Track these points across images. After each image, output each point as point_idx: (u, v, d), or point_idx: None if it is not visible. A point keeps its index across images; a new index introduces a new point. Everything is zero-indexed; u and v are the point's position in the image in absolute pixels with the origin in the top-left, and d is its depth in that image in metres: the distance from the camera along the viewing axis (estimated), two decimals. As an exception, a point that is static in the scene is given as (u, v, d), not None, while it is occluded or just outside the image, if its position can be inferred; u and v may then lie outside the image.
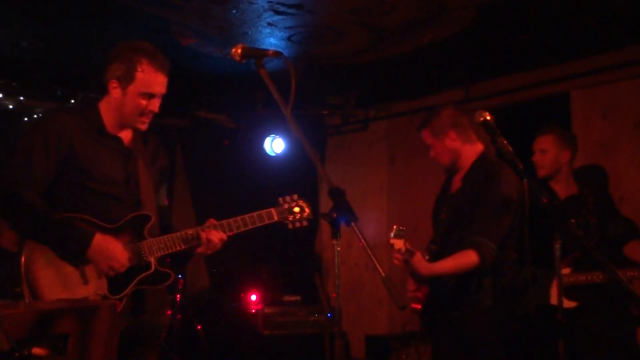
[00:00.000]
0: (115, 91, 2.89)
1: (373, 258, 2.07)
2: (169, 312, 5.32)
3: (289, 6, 4.03)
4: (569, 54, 5.05)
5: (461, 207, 3.33)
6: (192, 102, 6.43)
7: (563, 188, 4.10)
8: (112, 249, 2.78)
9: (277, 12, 4.13)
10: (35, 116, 5.45)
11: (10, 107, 5.38)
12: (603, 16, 4.25)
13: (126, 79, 2.86)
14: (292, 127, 2.29)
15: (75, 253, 2.75)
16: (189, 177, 6.83)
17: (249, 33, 4.49)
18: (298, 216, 3.12)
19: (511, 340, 3.30)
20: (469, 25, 4.37)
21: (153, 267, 2.89)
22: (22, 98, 5.40)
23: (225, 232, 3.00)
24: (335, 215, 2.12)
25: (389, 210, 6.67)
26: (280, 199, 3.13)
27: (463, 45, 4.80)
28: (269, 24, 4.34)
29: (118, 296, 2.78)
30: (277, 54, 2.43)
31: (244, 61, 2.44)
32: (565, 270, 3.82)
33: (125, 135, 3.01)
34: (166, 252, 2.93)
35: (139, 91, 2.87)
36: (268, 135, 6.68)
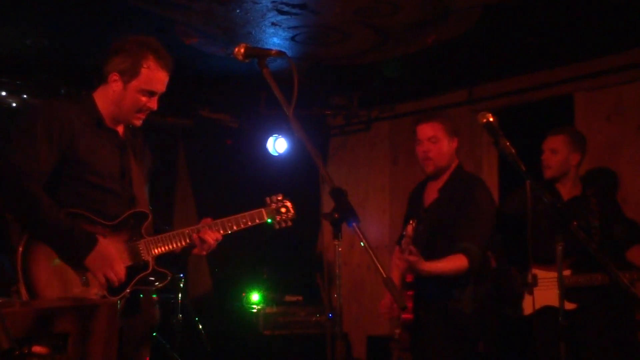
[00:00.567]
0: (115, 84, 2.81)
1: (374, 259, 2.06)
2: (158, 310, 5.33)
3: (293, 6, 4.03)
4: (573, 56, 5.04)
5: (441, 220, 3.43)
6: (195, 102, 6.43)
7: (568, 190, 4.07)
8: (112, 259, 2.71)
9: (281, 12, 4.13)
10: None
11: (14, 105, 5.37)
12: (608, 19, 4.25)
13: (130, 74, 2.79)
14: (295, 127, 2.28)
15: (75, 257, 2.67)
16: (191, 177, 6.82)
17: (253, 33, 4.49)
18: (284, 216, 3.20)
19: (496, 340, 3.41)
20: (474, 26, 4.36)
21: (151, 266, 2.86)
22: (25, 96, 5.39)
23: (219, 232, 2.99)
24: (336, 215, 2.11)
25: (392, 211, 6.66)
26: (268, 199, 3.20)
27: (467, 46, 4.79)
28: (272, 23, 4.33)
29: (117, 297, 2.72)
30: (280, 53, 2.42)
31: (247, 61, 2.43)
32: (565, 272, 3.81)
33: (120, 128, 2.95)
34: (164, 251, 2.89)
35: (141, 87, 2.80)
36: (271, 135, 6.68)
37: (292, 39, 4.64)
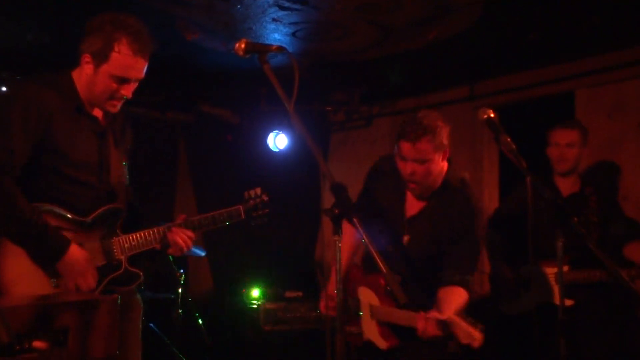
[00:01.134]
0: (87, 66, 2.62)
1: (375, 254, 2.06)
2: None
3: (294, 2, 4.02)
4: (574, 53, 5.03)
5: (434, 232, 3.16)
6: (195, 97, 6.42)
7: (569, 186, 4.08)
8: (83, 268, 2.60)
9: (282, 8, 4.12)
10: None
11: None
12: (609, 15, 4.24)
13: (100, 57, 2.59)
14: (296, 123, 2.27)
15: (46, 260, 2.56)
16: (192, 172, 6.83)
17: (254, 28, 4.48)
18: (260, 212, 3.05)
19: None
20: (476, 22, 4.35)
21: (123, 266, 2.75)
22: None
23: (194, 230, 2.87)
24: (337, 211, 2.11)
25: (392, 208, 6.65)
26: (246, 194, 3.04)
27: (469, 43, 4.78)
28: (273, 19, 4.33)
29: None
30: (281, 49, 2.41)
31: (247, 56, 2.42)
32: (563, 268, 3.81)
33: (98, 111, 2.76)
34: (138, 251, 2.78)
35: (112, 73, 2.60)
36: (272, 131, 6.68)
37: (293, 34, 4.63)
